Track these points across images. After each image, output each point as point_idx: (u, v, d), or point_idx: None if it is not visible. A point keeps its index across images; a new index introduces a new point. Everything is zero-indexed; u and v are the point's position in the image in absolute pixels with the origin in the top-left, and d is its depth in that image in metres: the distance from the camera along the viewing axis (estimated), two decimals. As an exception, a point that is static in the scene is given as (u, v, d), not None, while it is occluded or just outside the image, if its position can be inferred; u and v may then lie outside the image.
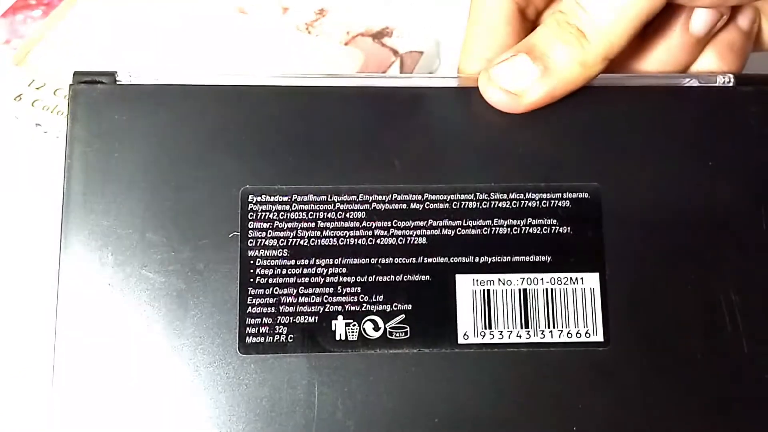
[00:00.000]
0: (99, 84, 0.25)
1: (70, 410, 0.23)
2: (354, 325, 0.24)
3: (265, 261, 0.24)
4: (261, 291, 0.24)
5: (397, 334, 0.24)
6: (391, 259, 0.24)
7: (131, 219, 0.24)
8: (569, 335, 0.24)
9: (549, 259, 0.25)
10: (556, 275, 0.24)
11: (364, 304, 0.24)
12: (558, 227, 0.25)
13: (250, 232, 0.24)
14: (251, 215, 0.24)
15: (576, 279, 0.24)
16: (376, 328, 0.24)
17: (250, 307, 0.24)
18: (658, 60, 0.28)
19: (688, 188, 0.25)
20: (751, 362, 0.24)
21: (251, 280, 0.24)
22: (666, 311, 0.25)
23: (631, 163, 0.25)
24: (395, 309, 0.24)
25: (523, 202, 0.25)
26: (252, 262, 0.24)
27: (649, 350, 0.24)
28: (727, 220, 0.25)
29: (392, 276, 0.24)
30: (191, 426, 0.23)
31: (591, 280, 0.25)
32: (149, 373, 0.24)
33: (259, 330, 0.24)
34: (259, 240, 0.24)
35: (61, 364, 0.24)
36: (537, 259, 0.25)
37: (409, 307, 0.24)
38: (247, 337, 0.24)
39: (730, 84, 0.27)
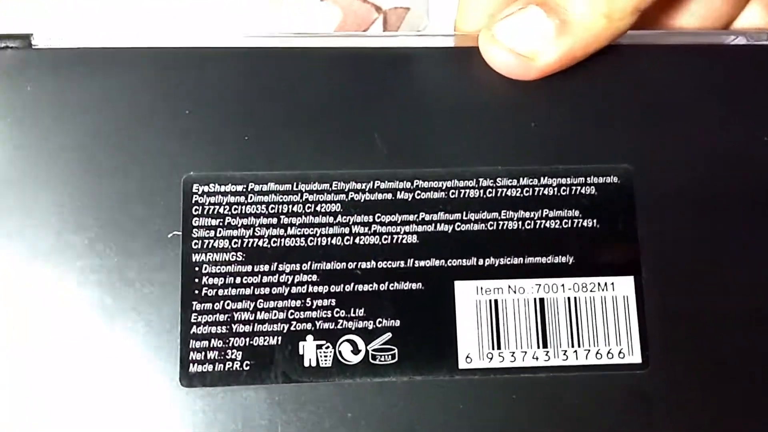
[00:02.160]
0: (10, 48, 0.21)
1: None
2: (328, 348, 0.19)
3: (213, 267, 0.20)
4: (209, 306, 0.19)
5: (383, 358, 0.19)
6: (373, 263, 0.20)
7: (45, 216, 0.20)
8: (599, 356, 0.20)
9: (571, 260, 0.20)
10: (580, 280, 0.20)
11: (341, 321, 0.20)
12: (581, 220, 0.20)
13: (194, 231, 0.20)
14: (196, 210, 0.20)
15: (605, 285, 0.20)
16: (356, 351, 0.19)
17: (194, 327, 0.19)
18: (698, 14, 0.24)
19: (741, 167, 0.21)
20: None
21: (196, 291, 0.19)
22: (718, 323, 0.20)
23: (669, 139, 0.21)
24: (379, 326, 0.20)
25: (537, 189, 0.21)
26: (197, 269, 0.19)
27: (697, 373, 0.19)
28: None
29: (375, 284, 0.20)
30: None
31: (624, 285, 0.20)
32: (69, 412, 0.19)
33: (206, 356, 0.19)
34: (207, 241, 0.20)
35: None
36: (556, 261, 0.20)
37: (397, 323, 0.20)
38: (191, 365, 0.19)
39: None
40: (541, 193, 0.21)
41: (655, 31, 0.23)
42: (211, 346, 0.19)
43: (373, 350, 0.20)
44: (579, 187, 0.21)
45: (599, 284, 0.20)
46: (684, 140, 0.21)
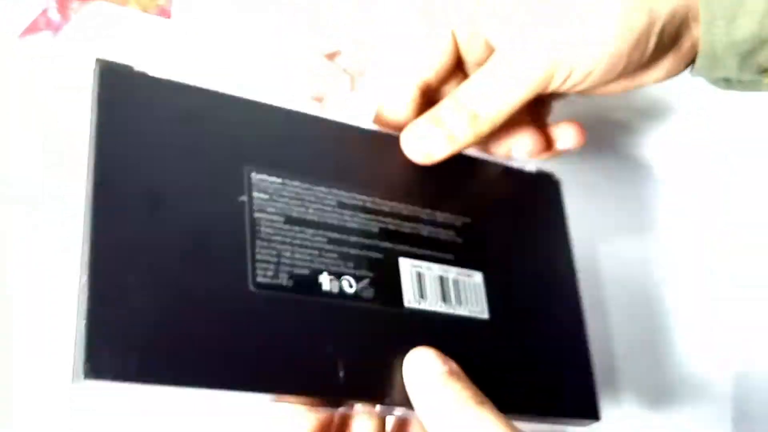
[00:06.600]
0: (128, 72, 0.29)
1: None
2: (335, 282, 0.30)
3: (266, 223, 0.29)
4: (265, 244, 0.29)
5: (365, 294, 0.31)
6: (356, 237, 0.31)
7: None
8: (470, 311, 0.33)
9: (452, 257, 0.34)
10: (458, 269, 0.34)
11: (341, 267, 0.30)
12: (457, 238, 0.35)
13: (255, 198, 0.30)
14: (255, 187, 0.30)
15: (470, 274, 0.34)
16: (350, 286, 0.30)
17: (259, 254, 0.29)
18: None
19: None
20: None
21: (258, 235, 0.29)
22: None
23: None
24: (361, 274, 0.31)
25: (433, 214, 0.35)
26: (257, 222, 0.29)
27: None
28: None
29: (358, 250, 0.31)
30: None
31: (477, 276, 0.34)
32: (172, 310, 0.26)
33: (266, 273, 0.28)
34: (262, 206, 0.30)
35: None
36: (445, 257, 0.34)
37: (371, 274, 0.31)
38: (258, 276, 0.28)
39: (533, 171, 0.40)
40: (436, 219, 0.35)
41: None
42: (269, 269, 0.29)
43: (359, 287, 0.30)
44: (453, 220, 0.36)
45: (467, 274, 0.34)
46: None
